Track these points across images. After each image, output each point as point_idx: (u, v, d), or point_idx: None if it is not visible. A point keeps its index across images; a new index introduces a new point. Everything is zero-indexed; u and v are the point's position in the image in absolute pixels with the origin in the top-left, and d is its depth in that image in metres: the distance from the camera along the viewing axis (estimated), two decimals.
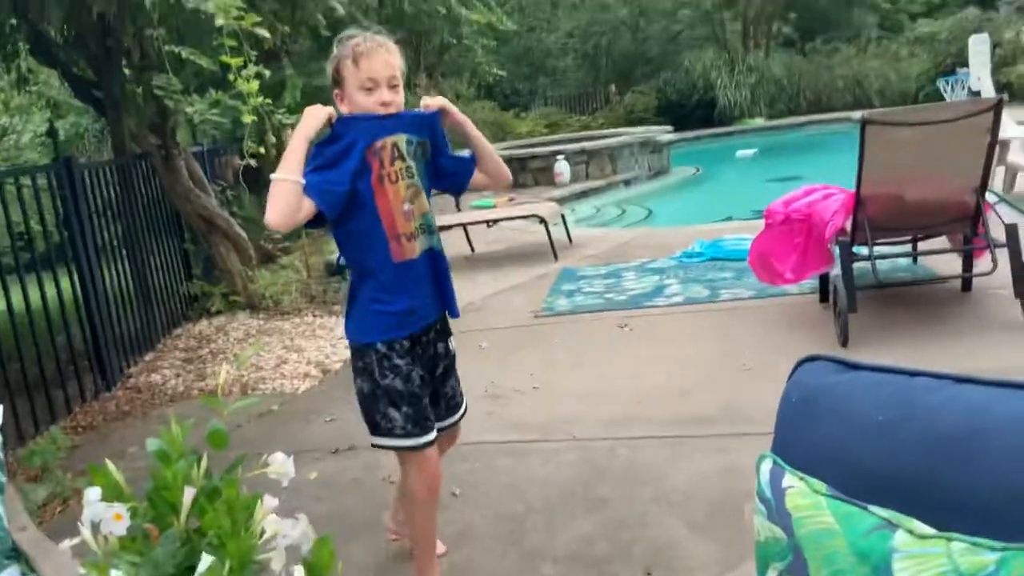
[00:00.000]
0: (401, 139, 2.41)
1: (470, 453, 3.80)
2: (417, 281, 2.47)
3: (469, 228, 8.25)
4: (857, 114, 4.80)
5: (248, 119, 3.88)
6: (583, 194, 12.15)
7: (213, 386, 5.15)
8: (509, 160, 11.15)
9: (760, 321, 5.21)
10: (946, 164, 4.38)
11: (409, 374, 2.48)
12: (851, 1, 21.52)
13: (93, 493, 1.77)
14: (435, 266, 2.53)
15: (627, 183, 12.82)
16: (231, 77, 3.67)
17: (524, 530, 3.07)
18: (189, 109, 3.82)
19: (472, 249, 8.37)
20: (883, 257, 5.46)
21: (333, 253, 8.19)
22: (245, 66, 3.71)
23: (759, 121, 18.56)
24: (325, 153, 2.36)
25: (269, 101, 3.91)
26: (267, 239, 7.63)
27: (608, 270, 7.03)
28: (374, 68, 2.35)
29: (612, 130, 16.08)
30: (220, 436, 2.01)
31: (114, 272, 5.62)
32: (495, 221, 8.02)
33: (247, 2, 4.86)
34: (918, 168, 4.38)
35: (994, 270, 4.39)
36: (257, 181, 10.85)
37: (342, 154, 2.36)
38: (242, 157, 8.99)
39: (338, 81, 2.40)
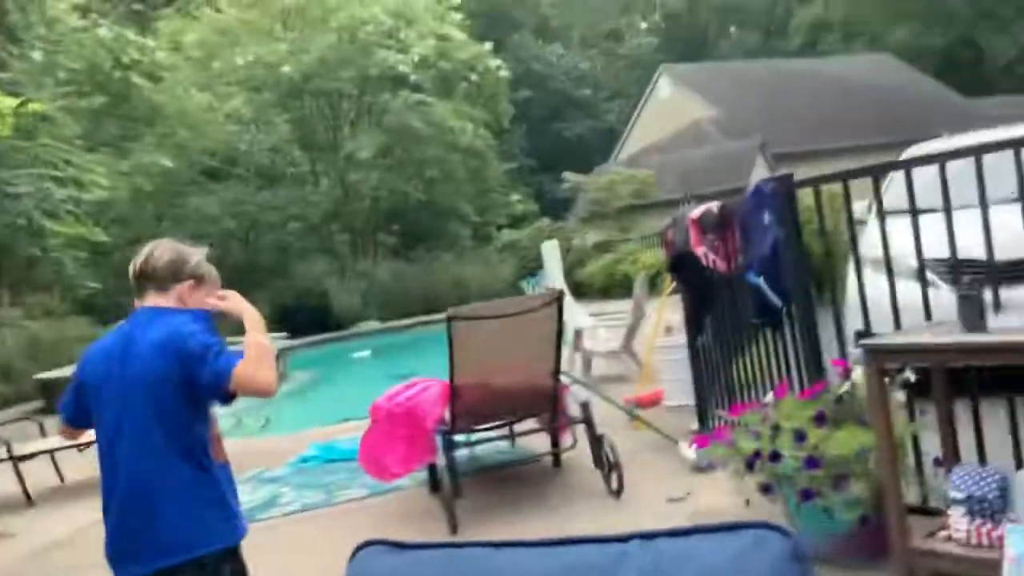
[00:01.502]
0: None
1: None
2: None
3: (56, 455, 7.37)
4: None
5: None
6: None
7: None
8: None
9: (374, 519, 5.18)
10: (523, 352, 4.85)
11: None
12: (447, 215, 23.79)
13: None
14: None
15: None
16: None
17: None
18: None
19: (62, 479, 7.44)
20: (487, 441, 5.81)
21: None
22: None
23: (373, 324, 19.29)
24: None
25: None
26: None
27: None
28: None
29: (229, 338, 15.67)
30: None
31: None
32: (88, 444, 7.24)
33: None
34: (501, 357, 4.79)
35: (574, 444, 4.84)
36: None
37: None
38: None
39: (200, 277, 2.61)
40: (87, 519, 6.05)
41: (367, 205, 22.15)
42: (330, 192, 21.86)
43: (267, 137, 22.53)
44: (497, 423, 5.32)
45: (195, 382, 2.37)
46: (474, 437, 5.56)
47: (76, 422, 2.63)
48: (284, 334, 14.79)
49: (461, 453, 4.94)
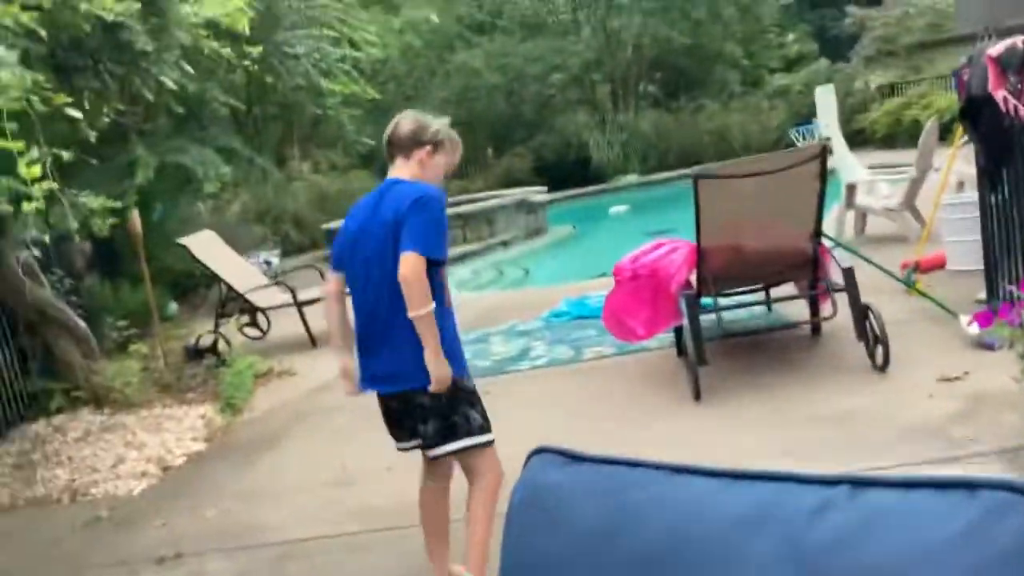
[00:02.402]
0: None
1: (310, 551, 3.55)
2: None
3: None
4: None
5: (28, 207, 3.60)
6: (461, 258, 12.04)
7: (42, 495, 4.73)
8: None
9: (620, 378, 5.14)
10: (779, 213, 4.44)
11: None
12: (713, 60, 22.47)
13: None
14: None
15: (505, 244, 12.81)
16: (22, 163, 3.40)
17: None
18: None
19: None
20: (740, 306, 5.52)
21: (190, 337, 7.81)
22: (28, 150, 3.44)
23: (632, 178, 18.99)
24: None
25: (54, 188, 3.63)
26: (114, 327, 7.20)
27: (475, 335, 6.89)
28: (456, 162, 2.96)
29: (489, 193, 16.15)
30: None
31: None
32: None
33: (60, 82, 4.62)
34: (753, 219, 4.42)
35: (834, 315, 4.44)
36: (113, 265, 10.38)
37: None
38: (93, 242, 8.57)
39: (437, 144, 2.84)
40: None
41: (629, 53, 21.40)
42: (591, 40, 21.32)
43: None
44: (748, 288, 5.00)
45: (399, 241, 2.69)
46: (725, 301, 5.30)
47: (337, 268, 2.95)
48: (542, 188, 14.93)
49: (709, 318, 4.70)
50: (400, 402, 2.84)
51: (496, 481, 2.87)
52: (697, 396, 4.43)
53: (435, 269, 2.72)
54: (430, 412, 2.79)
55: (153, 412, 5.90)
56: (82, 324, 6.23)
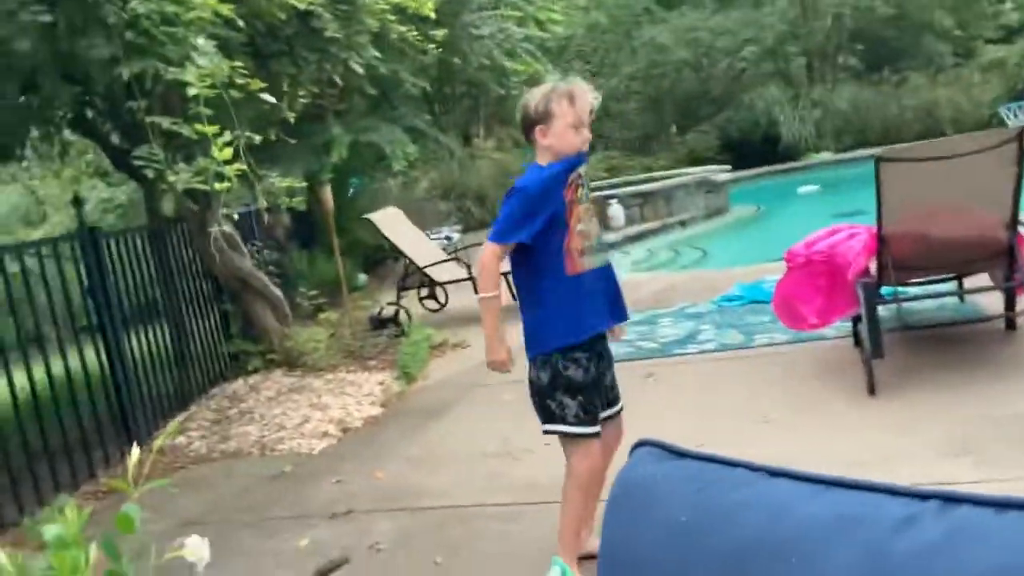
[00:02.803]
0: (584, 169, 2.88)
1: (467, 516, 3.70)
2: (593, 293, 2.86)
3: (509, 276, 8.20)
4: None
5: (221, 187, 3.92)
6: (638, 237, 11.99)
7: (234, 448, 5.17)
8: None
9: (790, 368, 4.98)
10: (971, 199, 4.14)
11: (588, 368, 2.83)
12: (921, 29, 20.95)
13: None
14: (608, 280, 2.94)
15: (683, 224, 12.61)
16: (216, 144, 3.72)
17: None
18: (172, 178, 3.89)
19: (514, 297, 8.30)
20: (928, 296, 5.20)
21: (375, 307, 8.25)
22: (221, 133, 3.76)
23: (826, 155, 18.10)
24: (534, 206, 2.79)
25: (245, 168, 3.94)
26: (306, 296, 7.71)
27: (643, 316, 6.85)
28: (584, 108, 2.80)
29: (670, 171, 15.91)
30: (126, 520, 1.97)
31: (147, 337, 5.72)
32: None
33: (258, 68, 4.99)
34: (941, 205, 4.15)
35: None
36: (310, 237, 11.08)
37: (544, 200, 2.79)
38: (292, 213, 9.18)
39: (543, 116, 2.78)
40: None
41: (828, 23, 20.32)
42: (786, 11, 20.41)
43: None
44: (933, 278, 4.70)
45: None
46: (911, 291, 5.00)
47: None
48: (726, 167, 14.53)
49: (889, 308, 4.46)
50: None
51: (587, 476, 2.86)
52: (872, 390, 4.22)
53: (534, 248, 2.78)
54: (532, 389, 2.91)
55: (338, 376, 6.30)
56: (278, 292, 6.73)
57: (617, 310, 3.00)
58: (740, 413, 4.37)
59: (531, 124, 2.82)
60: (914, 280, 4.74)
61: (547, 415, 2.88)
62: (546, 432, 2.92)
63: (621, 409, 3.09)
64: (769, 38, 20.25)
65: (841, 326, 5.18)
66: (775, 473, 1.00)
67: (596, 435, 2.89)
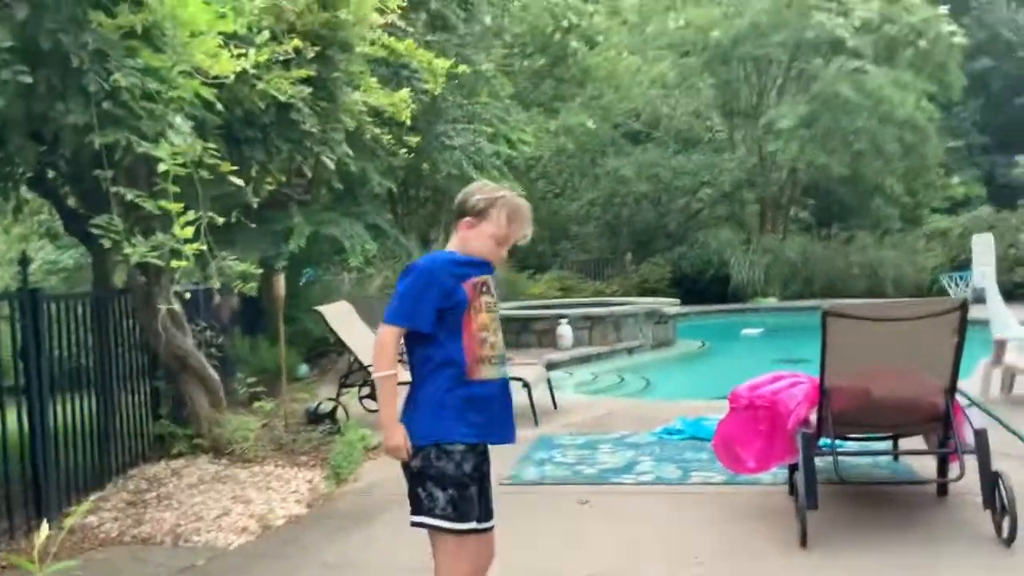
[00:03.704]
0: (490, 279, 2.85)
1: None
2: (485, 402, 2.81)
3: None
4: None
5: (177, 264, 3.88)
6: (585, 359, 12.05)
7: (147, 533, 4.94)
8: (513, 320, 11.14)
9: (725, 509, 4.96)
10: (913, 362, 4.25)
11: (461, 466, 2.77)
12: (871, 192, 21.95)
13: None
14: (504, 394, 2.89)
15: (630, 351, 12.73)
16: (179, 222, 3.70)
17: None
18: (129, 250, 3.84)
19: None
20: (862, 453, 5.27)
21: (313, 401, 8.09)
22: (185, 212, 3.74)
23: (772, 301, 18.61)
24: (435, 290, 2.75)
25: (203, 248, 3.91)
26: (244, 382, 7.54)
27: (585, 440, 6.83)
28: (519, 233, 2.82)
29: (621, 298, 16.16)
30: None
31: (72, 407, 5.52)
32: None
33: (231, 151, 5.01)
34: (883, 364, 4.25)
35: (961, 477, 4.17)
36: (255, 322, 10.92)
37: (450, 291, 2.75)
38: (241, 297, 9.07)
39: (479, 212, 2.76)
40: None
41: (783, 176, 21.24)
42: (745, 160, 21.29)
43: (689, 101, 22.53)
44: (871, 435, 4.78)
45: None
46: (848, 445, 5.07)
47: None
48: (675, 300, 14.81)
49: (826, 460, 4.49)
50: None
51: None
52: (803, 542, 4.21)
53: (432, 339, 2.74)
54: (406, 474, 2.85)
55: (265, 469, 6.10)
56: (215, 376, 6.56)
57: (506, 430, 2.91)
58: (672, 553, 4.32)
59: (462, 213, 2.80)
60: (852, 435, 4.81)
61: (414, 504, 2.83)
62: (413, 524, 2.85)
63: (493, 527, 2.99)
64: (726, 183, 21.08)
65: (778, 472, 5.21)
66: None
67: (469, 532, 2.80)
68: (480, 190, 2.82)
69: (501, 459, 6.19)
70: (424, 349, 2.78)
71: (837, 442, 4.51)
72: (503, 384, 2.87)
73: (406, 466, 2.83)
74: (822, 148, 19.37)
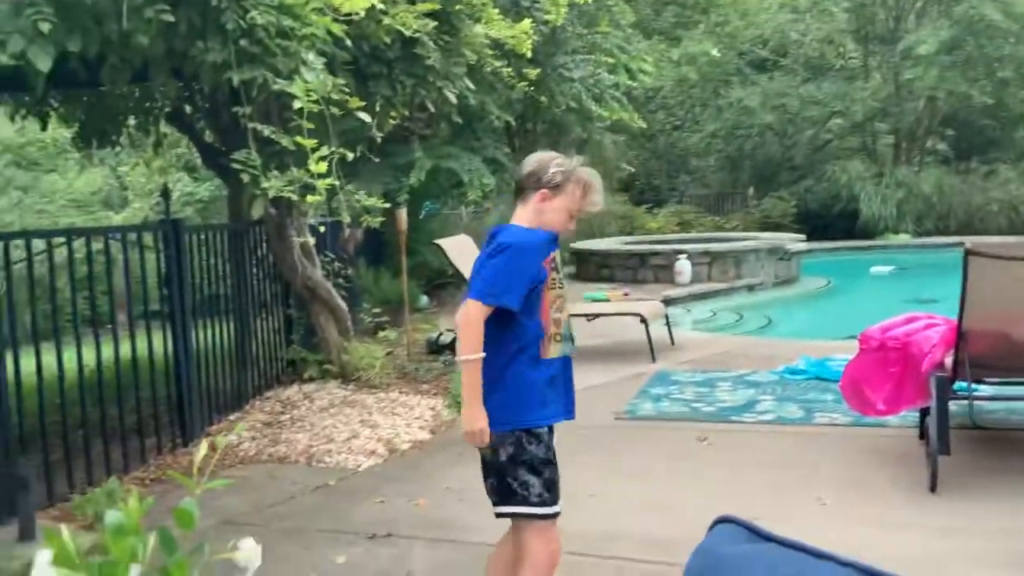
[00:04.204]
0: (557, 253, 2.77)
1: None
2: (556, 381, 2.74)
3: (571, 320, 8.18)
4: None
5: (312, 199, 4.00)
6: (703, 295, 11.87)
7: (283, 453, 5.22)
8: (630, 255, 11.08)
9: (850, 452, 4.85)
10: None
11: (550, 446, 2.71)
12: (1016, 122, 20.52)
13: (43, 556, 1.78)
14: (567, 371, 2.81)
15: (750, 288, 12.46)
16: (313, 158, 3.81)
17: None
18: (266, 184, 3.98)
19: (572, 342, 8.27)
20: (1003, 399, 5.05)
21: (434, 331, 8.29)
22: (318, 148, 3.85)
23: (905, 237, 17.76)
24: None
25: (336, 183, 4.02)
26: (369, 312, 7.79)
27: (704, 377, 6.78)
28: (588, 205, 2.76)
29: (742, 233, 15.77)
30: (187, 515, 2.00)
31: (213, 332, 5.84)
32: (595, 316, 7.91)
33: (358, 86, 5.11)
34: None
35: None
36: (378, 255, 11.22)
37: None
38: (365, 230, 9.32)
39: (556, 186, 2.69)
40: None
41: (920, 106, 20.03)
42: (879, 89, 20.16)
43: (821, 26, 21.40)
44: (1009, 380, 4.56)
45: None
46: (984, 390, 4.86)
47: None
48: (800, 236, 14.34)
49: (959, 405, 4.33)
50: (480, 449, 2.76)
51: (546, 563, 2.71)
52: (933, 487, 4.09)
53: (512, 318, 2.63)
54: (490, 466, 2.73)
55: (390, 396, 6.34)
56: (343, 305, 6.81)
57: (570, 405, 2.84)
58: (793, 491, 4.27)
59: (538, 185, 2.70)
60: (988, 380, 4.60)
61: (506, 494, 2.70)
62: (501, 515, 2.75)
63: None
64: (858, 113, 20.03)
65: (907, 416, 5.05)
66: (863, 571, 0.97)
67: (557, 516, 2.74)
68: (555, 162, 2.72)
69: (616, 394, 6.29)
70: (505, 329, 2.65)
71: (972, 386, 4.33)
72: (567, 361, 2.81)
73: (487, 458, 2.72)
74: (963, 76, 18.15)
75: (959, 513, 3.88)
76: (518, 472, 2.66)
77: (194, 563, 2.03)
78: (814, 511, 4.02)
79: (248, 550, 2.13)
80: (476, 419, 2.63)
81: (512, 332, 2.66)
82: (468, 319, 2.63)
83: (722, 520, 1.18)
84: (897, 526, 3.78)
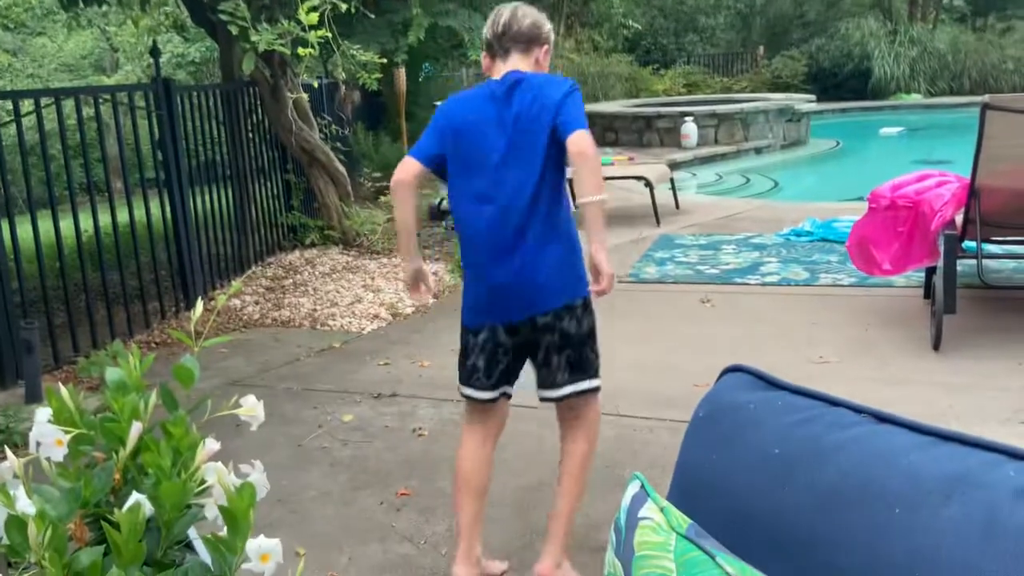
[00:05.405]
0: None
1: (510, 416, 3.70)
2: None
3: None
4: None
5: (303, 53, 3.83)
6: (709, 159, 11.69)
7: (286, 317, 5.23)
8: (636, 118, 10.83)
9: (854, 312, 4.85)
10: None
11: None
12: None
13: (43, 414, 1.76)
14: None
15: (758, 151, 12.25)
16: (303, 8, 3.62)
17: (533, 503, 2.96)
18: (255, 38, 3.80)
19: (575, 207, 8.18)
20: (1011, 257, 5.01)
21: (436, 197, 8.19)
22: None
23: (916, 97, 17.34)
24: None
25: (328, 35, 3.83)
26: (367, 177, 7.67)
27: (708, 240, 6.73)
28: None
29: (751, 95, 15.38)
30: (186, 372, 1.98)
31: (210, 196, 5.75)
32: None
33: None
34: None
35: None
36: (377, 118, 10.98)
37: None
38: (363, 92, 9.07)
39: (550, 42, 2.56)
40: None
41: None
42: None
43: None
44: (1019, 239, 4.49)
45: (557, 127, 2.28)
46: (992, 249, 4.80)
47: (422, 160, 2.51)
48: (810, 97, 13.98)
49: (965, 265, 4.28)
50: (533, 329, 2.36)
51: (597, 434, 2.56)
52: (936, 346, 4.10)
53: (562, 169, 2.37)
54: (571, 340, 2.36)
55: (392, 261, 6.31)
56: (342, 169, 6.69)
57: None
58: (794, 349, 4.28)
59: (543, 42, 2.52)
60: (997, 239, 4.54)
61: (582, 368, 2.40)
62: (579, 393, 2.41)
63: None
64: None
65: (911, 276, 5.03)
66: (882, 418, 0.93)
67: None
68: (543, 17, 2.57)
69: (620, 258, 6.24)
70: (561, 180, 2.39)
71: (982, 245, 4.27)
72: None
73: (576, 326, 2.37)
74: None
75: (962, 371, 3.89)
76: (594, 340, 2.43)
77: (195, 419, 2.01)
78: (816, 369, 4.03)
79: (251, 406, 2.11)
80: (608, 261, 2.25)
81: (563, 188, 2.41)
82: (594, 153, 2.23)
83: (732, 369, 1.14)
84: (899, 382, 3.80)
